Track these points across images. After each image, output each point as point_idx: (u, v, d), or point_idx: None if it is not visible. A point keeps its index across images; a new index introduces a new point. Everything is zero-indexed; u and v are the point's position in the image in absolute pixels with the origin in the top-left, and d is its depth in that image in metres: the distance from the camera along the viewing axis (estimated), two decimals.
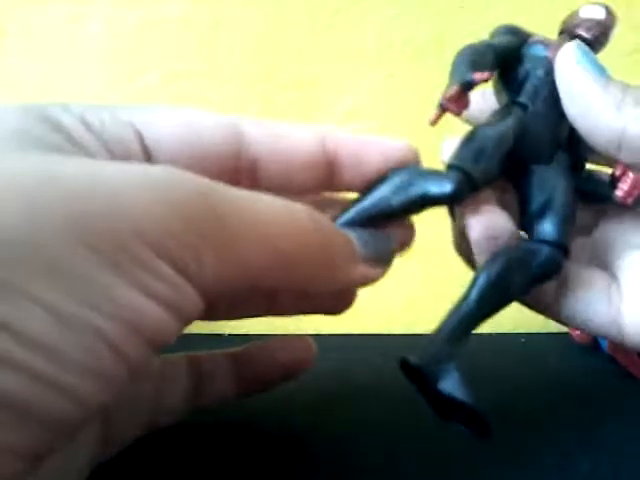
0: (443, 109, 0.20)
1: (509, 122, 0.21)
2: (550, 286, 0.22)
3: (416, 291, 0.40)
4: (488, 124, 0.21)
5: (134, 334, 0.13)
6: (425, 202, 0.20)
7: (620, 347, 0.31)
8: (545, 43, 0.22)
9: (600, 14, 0.22)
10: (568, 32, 0.22)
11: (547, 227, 0.21)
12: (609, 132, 0.20)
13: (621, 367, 0.31)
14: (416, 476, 0.20)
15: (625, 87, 0.20)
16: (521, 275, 0.21)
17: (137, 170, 0.14)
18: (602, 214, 0.24)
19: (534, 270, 0.21)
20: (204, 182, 0.14)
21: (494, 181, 0.21)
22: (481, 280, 0.20)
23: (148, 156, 0.17)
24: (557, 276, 0.21)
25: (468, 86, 0.20)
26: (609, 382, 0.29)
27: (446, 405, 0.19)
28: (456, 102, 0.20)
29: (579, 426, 0.24)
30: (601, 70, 0.21)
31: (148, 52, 0.39)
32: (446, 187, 0.19)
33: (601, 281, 0.22)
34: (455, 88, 0.20)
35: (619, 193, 0.21)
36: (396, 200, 0.20)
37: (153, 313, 0.13)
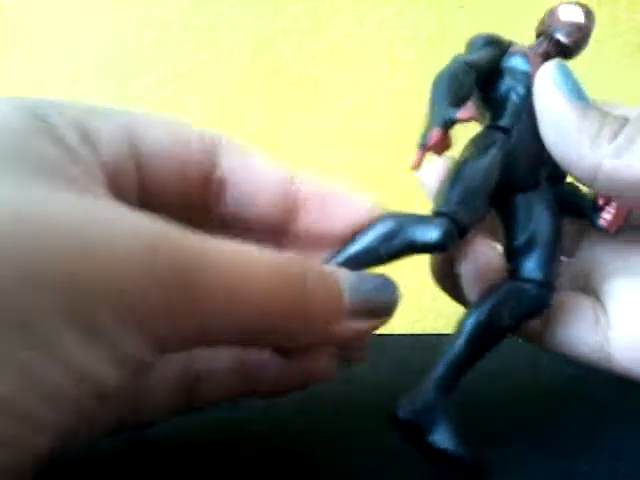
0: (425, 151, 0.19)
1: (493, 153, 0.20)
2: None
3: (416, 291, 0.40)
4: (472, 157, 0.21)
5: (88, 392, 0.13)
6: (413, 250, 0.20)
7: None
8: (526, 54, 0.21)
9: (580, 17, 0.21)
10: (546, 35, 0.21)
11: (533, 264, 0.21)
12: (584, 165, 0.19)
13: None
14: (414, 476, 0.20)
15: (604, 117, 0.19)
16: (508, 316, 0.20)
17: (127, 227, 0.13)
18: (585, 233, 0.23)
19: (521, 310, 0.21)
20: (189, 251, 0.14)
21: (483, 219, 0.21)
22: (468, 326, 0.20)
23: (138, 162, 0.18)
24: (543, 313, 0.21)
25: (449, 125, 0.19)
26: (609, 382, 0.29)
27: (437, 455, 0.20)
28: (439, 144, 0.19)
29: (579, 427, 0.24)
30: (580, 95, 0.19)
31: (147, 52, 0.39)
32: (433, 235, 0.19)
33: (587, 308, 0.21)
34: (437, 131, 0.19)
35: (603, 222, 0.21)
36: (384, 248, 0.20)
37: (110, 376, 0.13)
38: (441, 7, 0.39)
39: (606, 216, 0.21)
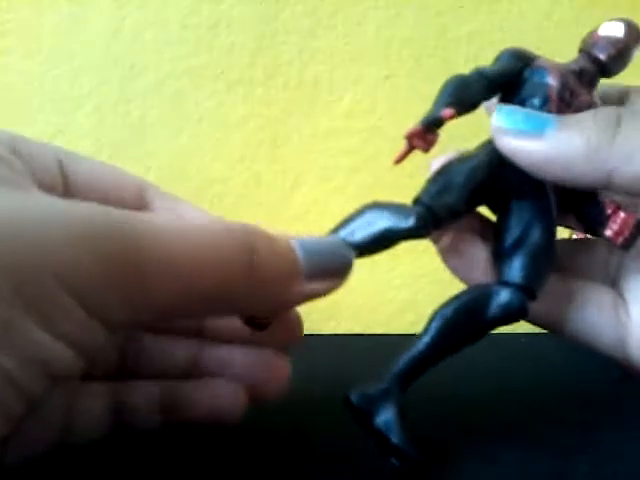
0: (410, 146, 0.20)
1: (481, 156, 0.21)
2: (556, 303, 0.21)
3: (416, 291, 0.40)
4: (465, 157, 0.21)
5: (38, 372, 0.13)
6: (389, 236, 0.20)
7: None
8: (546, 67, 0.21)
9: (619, 31, 0.21)
10: (585, 51, 0.21)
11: (513, 268, 0.21)
12: (593, 181, 0.18)
13: (621, 367, 0.31)
14: (413, 475, 0.20)
15: (584, 127, 0.18)
16: (477, 319, 0.21)
17: (62, 208, 0.14)
18: None
19: (492, 314, 0.21)
20: (127, 222, 0.14)
21: (462, 215, 0.21)
22: (434, 324, 0.21)
23: (67, 188, 0.18)
24: (521, 319, 0.21)
25: (433, 124, 0.19)
26: (609, 382, 0.29)
27: (382, 441, 0.20)
28: (423, 139, 0.20)
29: (579, 426, 0.24)
30: (538, 122, 0.19)
31: (147, 52, 0.39)
32: (408, 222, 0.20)
33: (608, 301, 0.21)
34: (415, 127, 0.19)
35: (609, 233, 0.20)
36: (360, 235, 0.20)
37: (60, 353, 0.13)
38: (441, 7, 0.39)
39: (613, 226, 0.20)
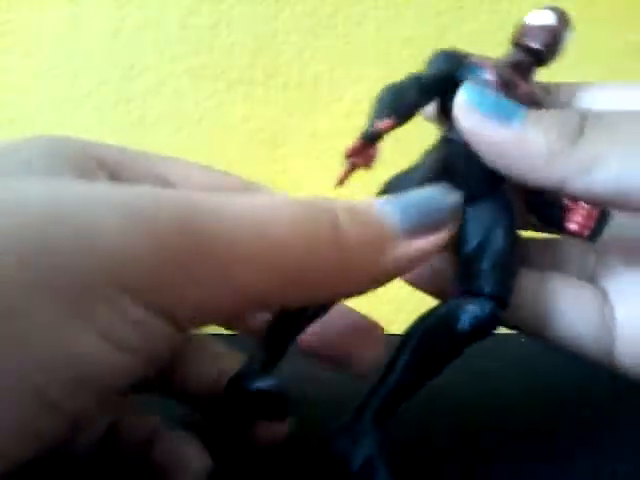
0: (352, 165, 0.19)
1: (427, 165, 0.20)
2: (533, 305, 0.20)
3: (416, 291, 0.40)
4: (409, 171, 0.20)
5: (82, 389, 0.11)
6: None
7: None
8: (482, 64, 0.20)
9: (549, 19, 0.20)
10: (517, 44, 0.21)
11: (479, 278, 0.19)
12: (547, 183, 0.17)
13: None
14: (413, 475, 0.20)
15: (548, 125, 0.17)
16: (447, 339, 0.19)
17: (111, 194, 0.12)
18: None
19: (463, 329, 0.19)
20: (189, 204, 0.12)
21: None
22: (403, 356, 0.19)
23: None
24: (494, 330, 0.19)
25: (372, 138, 0.19)
26: (609, 382, 0.29)
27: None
28: (363, 155, 0.19)
29: (579, 426, 0.24)
30: (506, 110, 0.18)
31: (147, 52, 0.39)
32: None
33: (589, 299, 0.20)
34: (357, 142, 0.18)
35: (573, 227, 0.19)
36: None
37: (115, 361, 0.11)
38: (441, 7, 0.39)
39: (577, 219, 0.19)
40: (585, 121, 0.17)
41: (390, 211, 0.16)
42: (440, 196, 0.18)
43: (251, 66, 0.39)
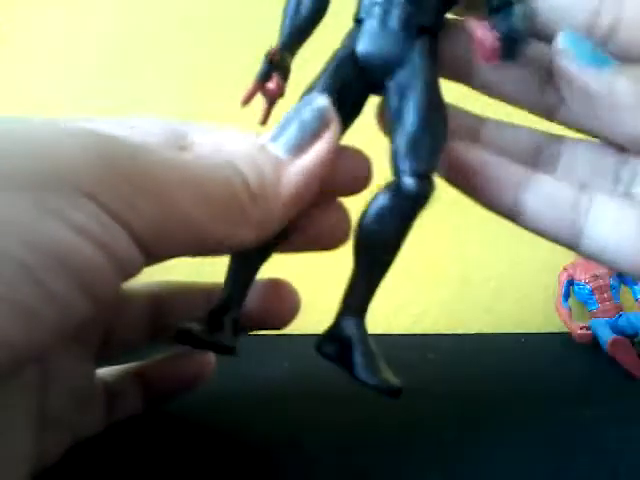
0: (269, 103, 0.20)
1: (339, 52, 0.20)
2: (505, 185, 0.20)
3: (416, 291, 0.40)
4: (332, 56, 0.21)
5: (61, 268, 0.13)
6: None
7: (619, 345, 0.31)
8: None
9: None
10: None
11: (399, 155, 0.19)
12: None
13: (621, 367, 0.31)
14: (416, 475, 0.20)
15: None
16: (389, 220, 0.19)
17: (67, 126, 0.15)
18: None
19: (398, 211, 0.19)
20: (132, 140, 0.15)
21: (352, 116, 0.21)
22: (355, 251, 0.20)
23: None
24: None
25: (262, 76, 0.20)
26: (609, 382, 0.29)
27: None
28: (268, 90, 0.20)
29: (579, 426, 0.24)
30: (597, 58, 0.18)
31: (147, 52, 0.39)
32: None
33: (569, 193, 0.19)
34: (251, 86, 0.20)
35: (481, 58, 0.19)
36: None
37: (82, 248, 0.13)
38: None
39: (481, 50, 0.19)
40: None
41: (277, 144, 0.18)
42: (309, 105, 0.19)
43: (251, 66, 0.39)
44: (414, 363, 0.32)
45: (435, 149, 0.19)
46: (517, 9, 0.18)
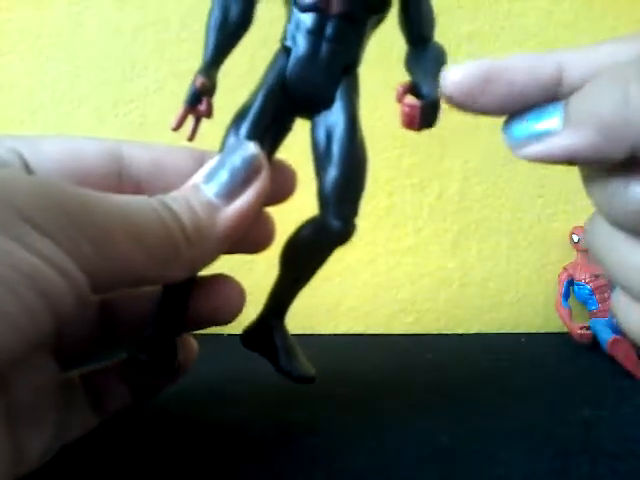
0: (195, 121, 0.21)
1: (267, 81, 0.21)
2: None
3: (416, 291, 0.40)
4: (255, 93, 0.21)
5: (31, 283, 0.14)
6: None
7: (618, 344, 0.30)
8: None
9: None
10: None
11: (330, 201, 0.21)
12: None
13: (621, 367, 0.31)
14: (415, 475, 0.20)
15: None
16: (313, 253, 0.22)
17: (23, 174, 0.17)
18: None
19: (323, 245, 0.21)
20: (79, 189, 0.16)
21: (283, 138, 0.22)
22: (283, 274, 0.22)
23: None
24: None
25: (191, 101, 0.21)
26: (609, 382, 0.29)
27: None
28: (196, 112, 0.21)
29: (579, 426, 0.24)
30: (543, 118, 0.17)
31: (147, 52, 0.39)
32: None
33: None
34: (180, 112, 0.21)
35: (404, 124, 0.20)
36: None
37: (44, 269, 0.14)
38: (439, 7, 0.39)
39: (403, 117, 0.20)
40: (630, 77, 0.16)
41: (210, 187, 0.19)
42: (240, 151, 0.20)
43: (251, 66, 0.39)
44: (414, 363, 0.32)
45: (358, 196, 0.21)
46: (439, 75, 0.18)
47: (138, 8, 0.39)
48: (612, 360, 0.32)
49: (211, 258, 0.19)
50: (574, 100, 0.17)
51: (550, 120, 0.18)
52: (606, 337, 0.33)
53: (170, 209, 0.18)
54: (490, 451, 0.21)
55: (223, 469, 0.20)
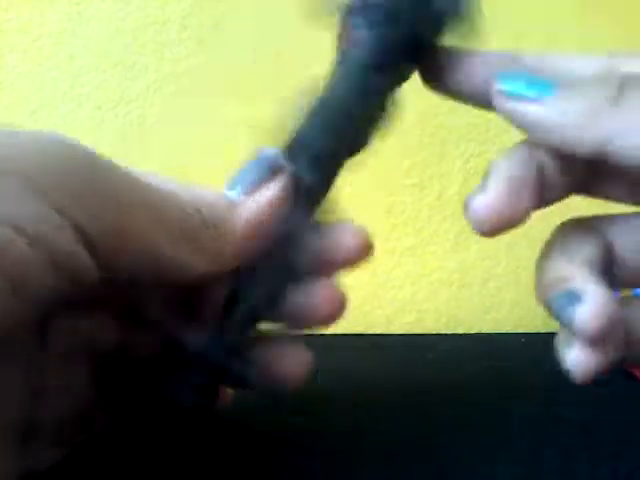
0: None
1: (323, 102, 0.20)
2: None
3: (416, 291, 0.40)
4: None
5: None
6: None
7: None
8: None
9: None
10: None
11: None
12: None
13: (621, 367, 0.31)
14: (415, 475, 0.20)
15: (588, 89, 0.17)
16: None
17: (38, 131, 0.15)
18: None
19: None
20: (95, 152, 0.16)
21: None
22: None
23: None
24: None
25: None
26: (609, 382, 0.29)
27: None
28: None
29: (579, 426, 0.24)
30: (536, 87, 0.18)
31: (147, 52, 0.39)
32: None
33: None
34: None
35: None
36: None
37: (12, 242, 0.13)
38: None
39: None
40: (624, 84, 0.17)
41: (235, 195, 0.19)
42: (259, 156, 0.20)
43: (251, 66, 0.39)
44: (414, 363, 0.31)
45: None
46: None
47: (138, 8, 0.39)
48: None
49: (233, 255, 0.18)
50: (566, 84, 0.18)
51: (542, 88, 0.18)
52: None
53: (191, 201, 0.18)
54: (490, 451, 0.21)
55: (223, 469, 0.20)
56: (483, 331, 0.40)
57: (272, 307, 0.19)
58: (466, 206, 0.19)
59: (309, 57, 0.39)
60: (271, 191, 0.19)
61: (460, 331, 0.40)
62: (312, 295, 0.20)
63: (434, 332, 0.40)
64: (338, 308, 0.20)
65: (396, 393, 0.26)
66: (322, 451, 0.22)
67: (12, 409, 0.16)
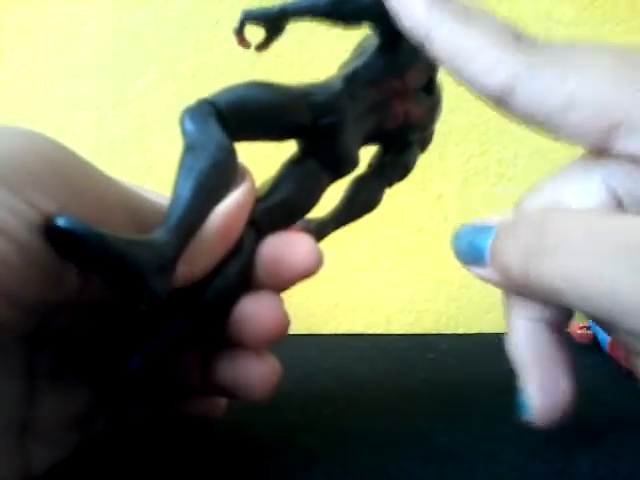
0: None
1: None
2: None
3: (416, 291, 0.40)
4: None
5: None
6: None
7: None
8: None
9: None
10: None
11: None
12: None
13: (621, 366, 0.31)
14: (415, 475, 0.20)
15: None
16: None
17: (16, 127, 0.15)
18: None
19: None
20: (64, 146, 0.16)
21: None
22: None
23: None
24: None
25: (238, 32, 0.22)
26: (609, 382, 0.29)
27: None
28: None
29: (579, 426, 0.24)
30: None
31: (147, 52, 0.39)
32: None
33: None
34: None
35: None
36: None
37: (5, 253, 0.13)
38: None
39: None
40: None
41: None
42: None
43: (251, 66, 0.39)
44: (414, 363, 0.31)
45: None
46: None
47: (138, 8, 0.39)
48: (612, 360, 0.32)
49: (207, 257, 0.18)
50: (495, 242, 0.19)
51: (483, 245, 0.19)
52: (606, 337, 0.33)
53: (164, 204, 0.18)
54: (490, 451, 0.21)
55: (223, 469, 0.20)
56: (483, 331, 0.40)
57: (216, 320, 0.19)
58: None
59: (308, 58, 0.40)
60: (239, 195, 0.19)
61: (460, 331, 0.40)
62: (256, 310, 0.19)
63: (434, 332, 0.40)
64: (280, 326, 0.20)
65: (396, 393, 0.26)
66: (321, 450, 0.22)
67: (7, 408, 0.16)
